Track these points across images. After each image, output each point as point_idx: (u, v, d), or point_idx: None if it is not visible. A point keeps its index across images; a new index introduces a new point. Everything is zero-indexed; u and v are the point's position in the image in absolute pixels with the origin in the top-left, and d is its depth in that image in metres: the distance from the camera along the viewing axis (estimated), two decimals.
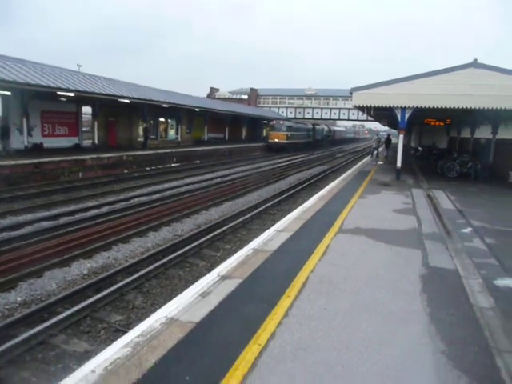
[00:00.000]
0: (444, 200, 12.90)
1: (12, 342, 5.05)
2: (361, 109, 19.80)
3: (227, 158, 33.87)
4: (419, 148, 35.59)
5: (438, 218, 10.16)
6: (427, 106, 15.73)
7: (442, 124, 25.96)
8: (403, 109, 16.28)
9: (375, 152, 32.31)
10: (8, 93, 20.02)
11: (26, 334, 5.27)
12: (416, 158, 33.15)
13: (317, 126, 57.10)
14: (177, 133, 37.49)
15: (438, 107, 15.63)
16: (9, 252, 8.31)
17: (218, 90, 60.82)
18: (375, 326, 4.34)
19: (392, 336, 4.17)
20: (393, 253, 7.09)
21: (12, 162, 16.64)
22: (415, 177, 19.20)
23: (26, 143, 21.12)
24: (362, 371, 3.53)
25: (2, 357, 4.85)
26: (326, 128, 63.35)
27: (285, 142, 43.02)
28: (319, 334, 4.11)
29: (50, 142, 24.20)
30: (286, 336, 4.03)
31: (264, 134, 54.15)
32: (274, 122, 45.39)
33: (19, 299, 6.68)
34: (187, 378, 3.31)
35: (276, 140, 43.01)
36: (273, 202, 14.68)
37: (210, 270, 7.45)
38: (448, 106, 15.44)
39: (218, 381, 3.26)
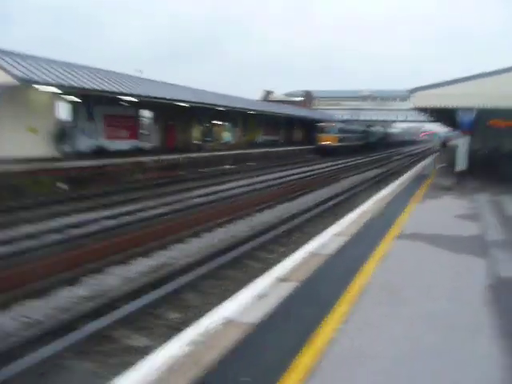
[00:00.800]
0: (510, 205, 12.13)
1: (77, 336, 5.33)
2: (421, 110, 19.11)
3: (282, 160, 33.89)
4: (484, 150, 33.74)
5: (504, 224, 9.57)
6: (494, 107, 14.85)
7: (508, 125, 24.46)
8: (467, 110, 15.49)
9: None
10: (75, 98, 21.27)
11: (90, 327, 5.54)
12: (480, 160, 31.44)
13: (370, 128, 55.38)
14: (232, 135, 38.05)
15: (504, 108, 14.71)
16: (74, 249, 8.79)
17: (272, 92, 61.07)
18: (438, 337, 4.14)
19: (456, 348, 3.95)
20: (455, 260, 6.75)
21: (78, 164, 17.62)
22: (479, 181, 18.20)
23: (91, 146, 22.29)
24: (425, 383, 3.38)
25: (67, 350, 5.12)
26: (380, 130, 61.03)
27: (336, 144, 41.19)
28: (379, 342, 3.98)
29: (112, 145, 25.37)
30: (344, 342, 3.94)
31: None
32: (324, 123, 43.80)
33: (85, 294, 7.03)
34: (245, 379, 3.32)
35: (326, 143, 41.21)
36: (328, 205, 14.50)
37: (264, 272, 7.46)
38: None
39: (276, 383, 3.25)
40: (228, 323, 4.21)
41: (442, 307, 4.89)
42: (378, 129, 59.82)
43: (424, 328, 4.34)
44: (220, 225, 11.56)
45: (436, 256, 6.99)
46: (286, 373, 3.40)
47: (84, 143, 23.25)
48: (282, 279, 5.53)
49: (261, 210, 13.75)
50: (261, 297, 4.91)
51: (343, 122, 50.44)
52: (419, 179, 18.54)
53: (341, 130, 42.62)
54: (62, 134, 19.67)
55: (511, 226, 9.44)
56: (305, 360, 3.60)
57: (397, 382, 3.40)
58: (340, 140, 41.73)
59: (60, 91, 18.40)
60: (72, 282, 7.35)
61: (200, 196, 16.16)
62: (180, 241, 9.98)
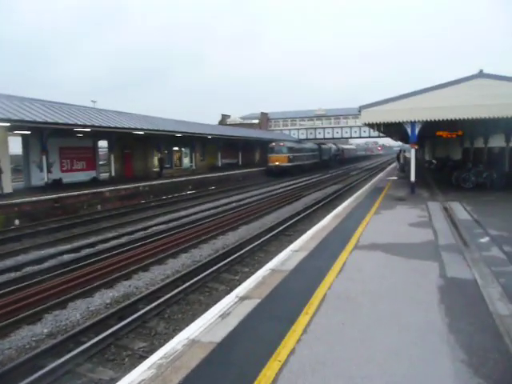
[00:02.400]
0: (460, 211, 12.83)
1: (40, 373, 5.21)
2: (370, 126, 19.97)
3: (242, 182, 34.18)
4: (433, 161, 35.43)
5: (454, 230, 10.12)
6: (436, 119, 15.79)
7: (454, 136, 25.93)
8: (413, 123, 16.36)
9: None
10: (28, 132, 20.81)
11: (53, 364, 5.43)
12: (430, 170, 32.95)
13: (323, 146, 55.46)
14: (191, 161, 38.09)
15: (447, 119, 15.68)
16: (34, 285, 8.57)
17: (229, 116, 61.77)
18: (393, 338, 4.38)
19: (410, 347, 4.19)
20: (409, 266, 7.11)
21: (33, 199, 17.15)
22: (430, 190, 19.10)
23: (46, 179, 21.76)
24: (382, 382, 3.57)
25: None
26: (333, 147, 61.30)
27: (286, 164, 40.01)
28: (338, 348, 4.17)
29: (68, 177, 24.93)
30: (305, 352, 4.10)
31: None
32: (274, 144, 41.93)
33: (45, 331, 6.86)
34: None
35: (276, 163, 39.89)
36: (289, 223, 14.78)
37: (229, 293, 7.55)
38: (457, 118, 15.48)
39: None
40: (192, 344, 4.29)
41: (397, 310, 5.16)
42: (330, 146, 59.97)
43: (380, 331, 4.57)
44: (183, 250, 11.56)
45: (391, 263, 7.32)
46: None
47: (38, 177, 22.69)
48: (245, 297, 5.65)
49: (224, 233, 13.85)
50: (224, 316, 5.01)
51: (295, 141, 50.12)
52: (375, 191, 19.20)
53: (291, 149, 41.36)
54: None
55: (459, 231, 9.97)
56: (268, 373, 3.72)
57: (355, 383, 3.57)
58: (290, 160, 40.63)
59: (9, 125, 17.97)
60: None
61: (161, 223, 16.07)
62: (144, 269, 9.93)
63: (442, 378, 3.64)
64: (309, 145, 51.25)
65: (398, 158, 38.35)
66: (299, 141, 53.87)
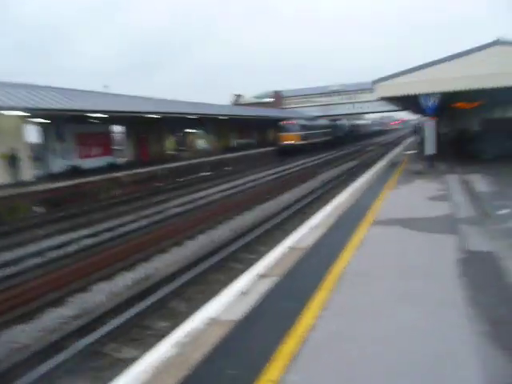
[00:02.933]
0: (479, 183, 12.60)
1: (66, 353, 5.39)
2: (386, 100, 19.59)
3: (257, 162, 34.10)
4: (452, 132, 34.64)
5: (473, 202, 9.97)
6: (454, 90, 15.38)
7: (472, 106, 25.26)
8: (429, 95, 15.97)
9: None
10: (44, 120, 21.06)
11: (79, 346, 5.60)
12: (448, 143, 32.28)
13: (337, 122, 53.41)
14: (206, 142, 38.10)
15: (465, 90, 15.25)
16: (57, 271, 8.79)
17: (242, 96, 61.38)
18: (412, 313, 4.38)
19: (429, 321, 4.19)
20: (428, 240, 7.05)
21: (53, 185, 17.47)
22: (449, 162, 18.76)
23: (64, 166, 22.10)
24: (397, 357, 3.59)
25: (58, 367, 5.18)
26: (348, 123, 58.97)
27: (298, 143, 38.62)
28: (355, 324, 4.20)
29: (86, 163, 25.23)
30: (323, 327, 4.14)
31: None
32: (285, 122, 40.70)
33: (71, 313, 7.07)
34: (231, 371, 3.47)
35: (288, 142, 38.46)
36: (306, 202, 14.76)
37: (247, 272, 7.63)
38: (476, 88, 15.04)
39: (260, 371, 3.42)
40: (212, 322, 4.36)
41: (416, 284, 5.15)
42: (344, 122, 57.56)
43: (399, 306, 4.58)
44: (201, 231, 11.69)
45: (409, 238, 7.28)
46: (272, 361, 3.58)
47: (56, 164, 23.06)
48: (263, 275, 5.70)
49: (241, 212, 13.92)
50: (243, 294, 5.07)
51: (307, 118, 48.16)
52: (392, 166, 19.00)
53: (303, 127, 40.11)
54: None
55: (478, 203, 9.82)
56: (287, 348, 3.78)
57: (371, 358, 3.60)
58: (303, 138, 39.29)
59: (26, 114, 18.20)
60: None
61: (179, 205, 16.22)
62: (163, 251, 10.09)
63: (464, 352, 3.62)
64: (322, 122, 49.53)
65: (415, 132, 37.78)
66: (314, 118, 52.68)
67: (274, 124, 49.57)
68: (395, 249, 6.68)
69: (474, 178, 13.51)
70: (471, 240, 6.87)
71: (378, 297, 4.84)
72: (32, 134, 22.68)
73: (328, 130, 48.93)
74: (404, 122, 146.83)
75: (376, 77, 16.43)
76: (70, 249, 10.71)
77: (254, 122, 43.75)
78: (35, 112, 17.99)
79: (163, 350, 3.86)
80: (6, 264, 9.67)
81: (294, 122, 40.42)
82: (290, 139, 38.46)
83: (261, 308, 4.69)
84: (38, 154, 19.70)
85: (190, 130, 36.48)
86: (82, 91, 25.36)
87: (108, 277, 8.50)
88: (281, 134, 39.76)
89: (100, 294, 7.76)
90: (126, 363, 4.63)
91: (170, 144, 31.46)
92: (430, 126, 17.42)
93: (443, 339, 3.85)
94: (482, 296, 4.69)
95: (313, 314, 4.43)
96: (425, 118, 18.11)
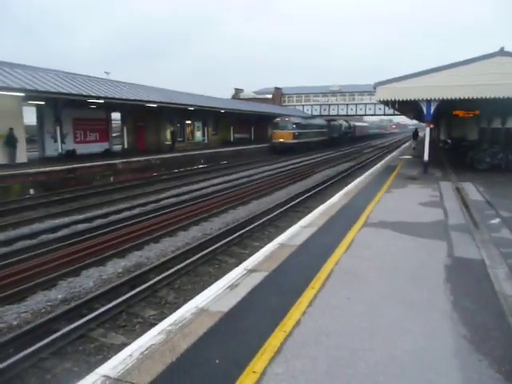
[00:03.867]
0: (473, 192, 12.74)
1: (54, 336, 5.43)
2: (385, 103, 19.66)
3: (253, 157, 34.10)
4: (448, 140, 34.89)
5: (465, 210, 10.09)
6: (453, 98, 15.50)
7: (470, 115, 25.45)
8: (428, 101, 16.09)
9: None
10: (42, 102, 20.93)
11: (66, 328, 5.64)
12: (445, 150, 32.54)
13: (333, 122, 51.99)
14: (203, 135, 38.04)
15: (464, 98, 15.37)
16: (48, 253, 8.81)
17: (242, 90, 61.25)
18: (397, 314, 4.47)
19: (414, 322, 4.29)
20: (417, 244, 7.15)
21: (48, 169, 17.40)
22: (444, 170, 18.93)
23: (59, 150, 22.01)
24: (384, 355, 3.68)
25: (46, 349, 5.23)
26: (344, 124, 57.77)
27: (291, 141, 37.61)
28: (342, 322, 4.28)
29: (82, 149, 25.17)
30: (309, 323, 4.21)
31: None
32: (278, 119, 39.10)
33: (60, 296, 7.09)
34: (217, 361, 3.54)
35: (281, 140, 37.32)
36: (300, 199, 14.83)
37: (238, 265, 7.69)
38: (475, 97, 15.17)
39: (246, 363, 3.48)
40: (201, 313, 4.42)
41: (402, 287, 5.24)
42: (341, 122, 56.22)
43: (384, 307, 4.66)
44: (195, 223, 11.72)
45: (399, 241, 7.37)
46: (257, 354, 3.65)
47: (52, 147, 22.95)
48: (253, 270, 5.77)
49: (235, 207, 13.97)
50: (232, 287, 5.13)
51: (302, 117, 46.52)
52: (387, 170, 19.10)
53: (296, 125, 38.61)
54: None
55: (470, 211, 9.94)
56: (273, 342, 3.85)
57: (356, 355, 3.68)
58: (296, 136, 38.11)
59: (24, 95, 18.08)
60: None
61: (173, 196, 16.24)
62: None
63: (443, 353, 3.73)
64: (317, 121, 48.06)
65: (414, 136, 37.92)
66: (309, 116, 52.02)
67: (272, 120, 49.56)
68: (385, 251, 6.77)
69: (467, 187, 13.66)
70: (460, 247, 6.98)
71: (365, 297, 4.92)
72: (28, 116, 22.59)
73: (323, 129, 47.91)
74: (403, 126, 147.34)
75: (374, 77, 16.57)
76: (61, 233, 10.72)
77: (252, 117, 43.69)
78: (33, 94, 17.86)
79: (151, 336, 3.91)
80: None
81: (287, 119, 39.04)
82: (282, 137, 37.54)
83: (249, 301, 4.76)
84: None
85: (189, 122, 36.37)
86: (82, 76, 25.23)
87: (100, 262, 8.54)
88: (274, 131, 38.80)
89: (89, 280, 7.78)
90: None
91: (167, 134, 31.34)
92: (427, 132, 17.56)
93: (425, 339, 3.94)
94: (467, 302, 4.78)
95: (300, 310, 4.50)
96: (423, 124, 18.22)
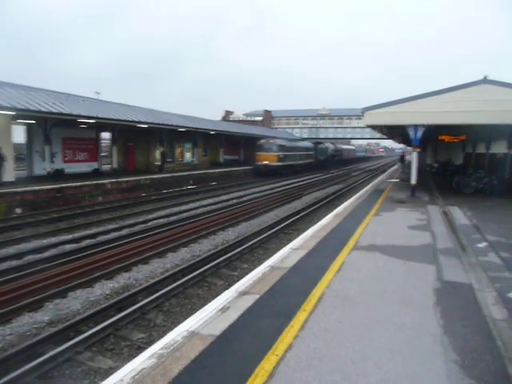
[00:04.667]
0: (459, 216, 12.92)
1: (40, 359, 5.31)
2: (373, 128, 20.04)
3: (243, 179, 34.20)
4: (434, 164, 35.49)
5: (453, 234, 10.22)
6: (439, 123, 15.87)
7: (456, 140, 26.03)
8: (415, 127, 16.44)
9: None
10: (32, 121, 20.87)
11: (53, 352, 5.53)
12: (432, 174, 33.06)
13: (319, 145, 51.69)
14: (193, 156, 38.12)
15: (450, 124, 15.75)
16: (35, 274, 8.67)
17: (232, 112, 61.86)
18: (389, 338, 4.48)
19: (405, 346, 4.30)
20: (406, 268, 7.20)
21: (36, 188, 17.24)
22: (431, 193, 19.19)
23: (48, 169, 21.86)
24: (376, 379, 3.67)
25: (31, 373, 5.10)
26: (331, 147, 57.31)
27: (276, 164, 36.83)
28: (334, 345, 4.27)
29: (70, 168, 25.04)
30: (302, 347, 4.20)
31: None
32: (263, 141, 38.29)
33: (46, 319, 6.96)
34: None
35: (265, 162, 36.52)
36: (289, 222, 14.87)
37: (227, 288, 7.65)
38: (461, 123, 15.55)
39: None
40: (192, 336, 4.38)
41: (393, 310, 5.26)
42: (327, 145, 55.57)
43: (376, 330, 4.67)
44: (183, 244, 11.66)
45: (389, 264, 7.42)
46: (250, 378, 3.62)
47: (40, 166, 22.80)
48: (244, 292, 5.75)
49: (224, 229, 13.95)
50: (223, 310, 5.10)
51: (289, 139, 46.29)
52: (375, 193, 19.30)
53: (281, 148, 37.99)
54: None
55: (457, 235, 10.07)
56: (266, 366, 3.82)
57: (349, 379, 3.67)
58: (280, 159, 37.47)
59: (14, 114, 18.01)
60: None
61: (162, 217, 16.16)
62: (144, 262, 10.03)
63: (435, 378, 3.74)
64: (303, 143, 47.83)
65: (401, 160, 38.68)
66: (295, 139, 51.91)
67: None
68: (375, 274, 6.80)
69: (454, 211, 13.85)
70: (449, 271, 7.05)
71: (356, 320, 4.93)
72: (16, 134, 22.48)
73: (310, 152, 47.53)
74: (390, 150, 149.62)
75: (362, 101, 16.93)
76: (48, 253, 10.57)
77: (242, 139, 44.01)
78: (24, 113, 17.82)
79: (142, 360, 3.86)
80: None
81: (272, 141, 38.32)
82: (266, 159, 36.78)
83: (240, 324, 4.73)
84: (21, 154, 19.27)
85: (179, 143, 36.48)
86: (73, 96, 25.31)
87: (87, 284, 8.42)
88: (258, 153, 37.68)
89: (76, 301, 7.66)
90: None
91: (157, 155, 31.35)
92: (414, 156, 17.86)
93: (416, 363, 3.95)
94: (457, 326, 4.82)
95: (292, 334, 4.49)
96: (410, 148, 18.55)
